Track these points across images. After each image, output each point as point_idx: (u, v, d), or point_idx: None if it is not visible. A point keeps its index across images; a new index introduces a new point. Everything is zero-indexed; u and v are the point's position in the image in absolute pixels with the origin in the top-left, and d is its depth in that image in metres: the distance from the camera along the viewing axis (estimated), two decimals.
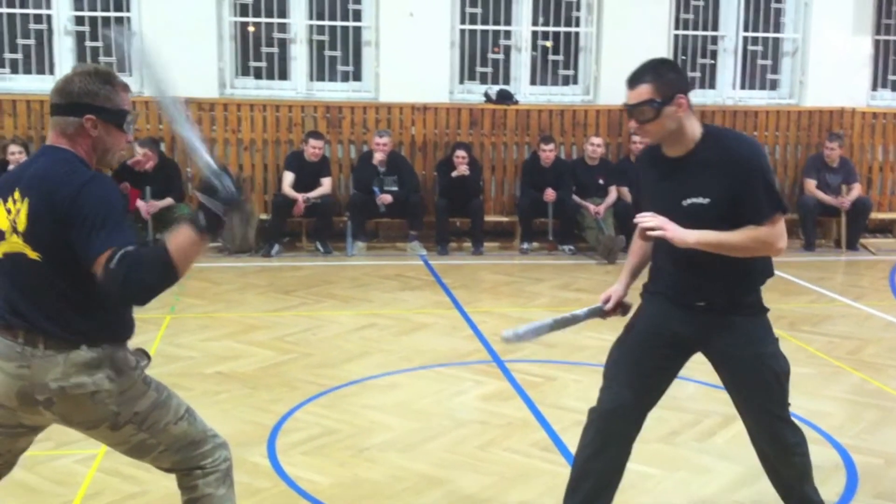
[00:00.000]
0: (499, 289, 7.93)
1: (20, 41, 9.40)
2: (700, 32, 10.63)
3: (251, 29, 9.80)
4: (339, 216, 9.44)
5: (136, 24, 9.40)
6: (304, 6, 9.77)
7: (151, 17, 9.32)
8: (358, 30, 9.92)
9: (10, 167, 8.64)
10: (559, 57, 10.37)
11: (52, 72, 9.44)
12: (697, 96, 10.56)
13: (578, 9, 10.33)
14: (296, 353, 5.80)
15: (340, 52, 9.93)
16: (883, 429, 4.73)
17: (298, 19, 9.79)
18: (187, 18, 9.35)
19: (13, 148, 8.61)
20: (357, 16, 9.89)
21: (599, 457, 3.23)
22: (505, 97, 10.06)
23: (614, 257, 8.87)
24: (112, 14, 9.46)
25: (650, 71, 3.00)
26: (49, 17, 9.38)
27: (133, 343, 5.85)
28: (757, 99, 10.82)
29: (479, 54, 10.24)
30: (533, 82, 10.36)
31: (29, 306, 2.52)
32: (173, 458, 2.70)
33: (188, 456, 2.70)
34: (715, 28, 10.68)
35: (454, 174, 9.33)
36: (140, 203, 8.74)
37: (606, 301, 3.37)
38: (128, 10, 9.47)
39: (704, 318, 3.13)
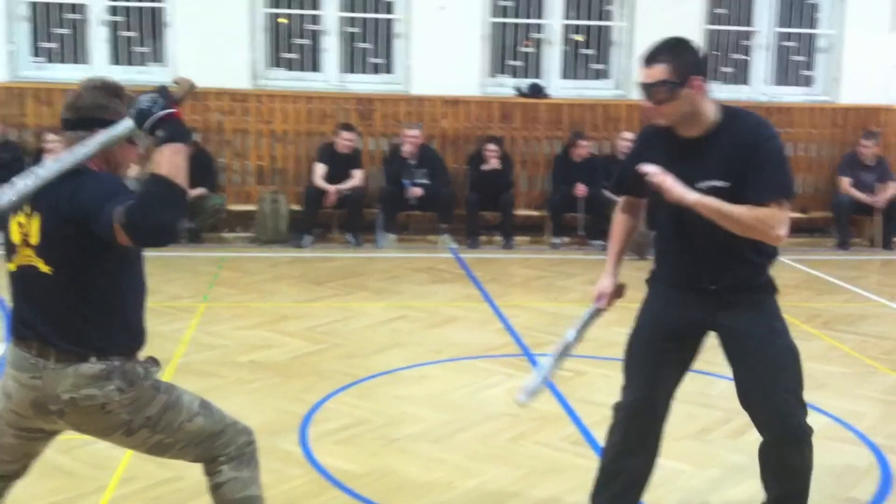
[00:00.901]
0: (530, 283, 7.92)
1: (56, 31, 9.50)
2: (733, 28, 10.56)
3: (282, 21, 9.84)
4: (370, 208, 9.47)
5: (169, 15, 9.47)
6: None
7: (185, 8, 9.39)
8: (389, 22, 9.94)
9: (46, 155, 8.74)
10: (591, 51, 10.33)
11: (87, 61, 9.54)
12: (730, 92, 10.48)
13: (611, 3, 10.29)
14: (327, 344, 5.83)
15: (372, 44, 9.95)
16: None
17: (331, 11, 9.81)
18: (220, 9, 9.41)
19: (50, 136, 8.70)
20: (389, 8, 9.90)
21: (629, 455, 3.21)
22: (536, 91, 10.04)
23: (645, 253, 8.78)
24: (147, 4, 9.53)
25: (666, 51, 2.91)
26: (84, 6, 9.47)
27: (167, 331, 5.91)
28: (790, 95, 10.72)
29: (511, 47, 10.23)
30: (564, 76, 10.33)
31: (40, 319, 2.55)
32: (194, 451, 2.73)
33: (209, 447, 2.73)
34: (748, 23, 10.60)
35: (484, 168, 9.32)
36: None
37: (599, 300, 3.30)
38: (162, 1, 9.53)
39: (714, 299, 3.06)
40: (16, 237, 2.57)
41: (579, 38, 10.42)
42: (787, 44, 10.68)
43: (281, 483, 3.78)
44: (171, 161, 2.40)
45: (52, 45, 9.54)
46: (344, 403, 4.78)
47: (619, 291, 3.31)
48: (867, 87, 10.51)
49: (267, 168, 9.71)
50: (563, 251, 9.29)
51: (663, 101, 2.90)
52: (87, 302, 2.54)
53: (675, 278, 3.13)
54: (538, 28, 10.22)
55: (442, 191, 9.30)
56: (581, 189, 9.23)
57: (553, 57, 10.24)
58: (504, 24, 10.13)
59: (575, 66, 10.41)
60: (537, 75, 10.25)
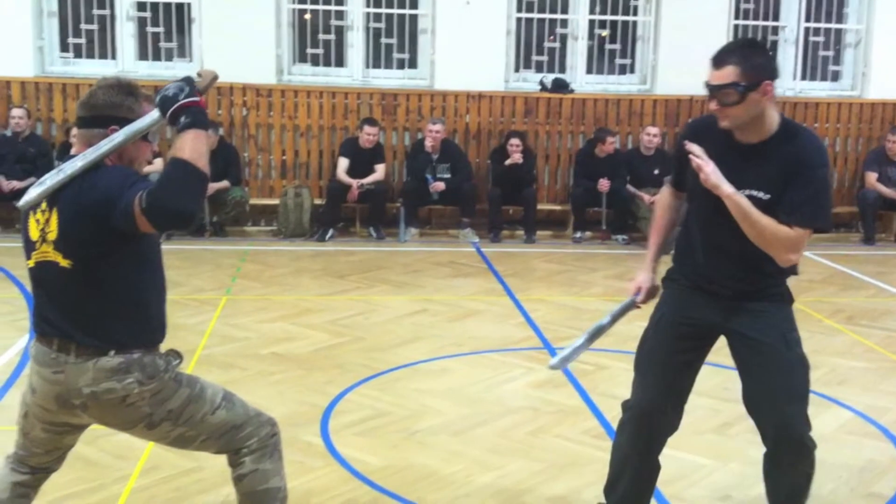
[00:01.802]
0: (551, 278, 7.91)
1: (84, 26, 9.58)
2: (760, 22, 10.47)
3: (307, 17, 9.87)
4: (393, 203, 9.49)
5: (196, 11, 9.53)
6: None
7: (211, 4, 9.45)
8: (414, 17, 9.94)
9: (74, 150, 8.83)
10: (616, 46, 10.29)
11: (114, 57, 9.62)
12: None
13: None
14: (349, 337, 5.86)
15: (396, 39, 9.97)
16: None
17: (355, 7, 9.83)
18: (246, 5, 9.45)
19: (76, 131, 8.77)
20: (413, 3, 9.91)
21: (638, 456, 3.20)
22: (560, 86, 10.01)
23: (669, 248, 8.77)
24: (173, 0, 9.59)
25: (738, 52, 2.84)
26: (112, 2, 9.55)
27: (190, 323, 5.95)
28: (818, 90, 10.63)
29: (535, 42, 10.21)
30: (589, 71, 10.29)
31: (60, 314, 2.58)
32: (217, 444, 2.75)
33: (232, 440, 2.75)
34: (776, 18, 10.51)
35: (507, 162, 9.32)
36: None
37: (637, 293, 3.25)
38: None
39: (729, 304, 3.02)
40: (34, 234, 2.60)
41: (604, 33, 10.38)
42: (814, 39, 10.58)
43: (302, 474, 3.81)
44: (192, 146, 2.45)
45: (80, 40, 9.62)
46: (365, 396, 4.80)
47: (653, 291, 3.26)
48: (895, 81, 10.40)
49: (290, 162, 9.75)
50: (585, 245, 9.27)
51: (731, 104, 2.83)
52: (105, 295, 2.56)
53: (692, 279, 3.10)
54: (563, 23, 10.19)
55: (464, 185, 9.31)
56: (604, 184, 9.20)
57: (578, 52, 10.20)
58: (529, 19, 10.11)
59: (600, 61, 10.37)
60: (562, 70, 10.22)
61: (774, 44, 10.54)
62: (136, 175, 2.56)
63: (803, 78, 10.63)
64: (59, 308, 2.59)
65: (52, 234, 2.56)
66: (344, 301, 6.77)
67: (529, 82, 10.13)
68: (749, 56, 2.85)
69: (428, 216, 9.79)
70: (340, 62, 9.99)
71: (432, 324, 6.25)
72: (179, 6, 9.60)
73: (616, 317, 3.30)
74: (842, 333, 6.22)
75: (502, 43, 9.92)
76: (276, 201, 9.41)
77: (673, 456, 4.07)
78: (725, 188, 2.85)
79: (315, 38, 9.91)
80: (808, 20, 10.51)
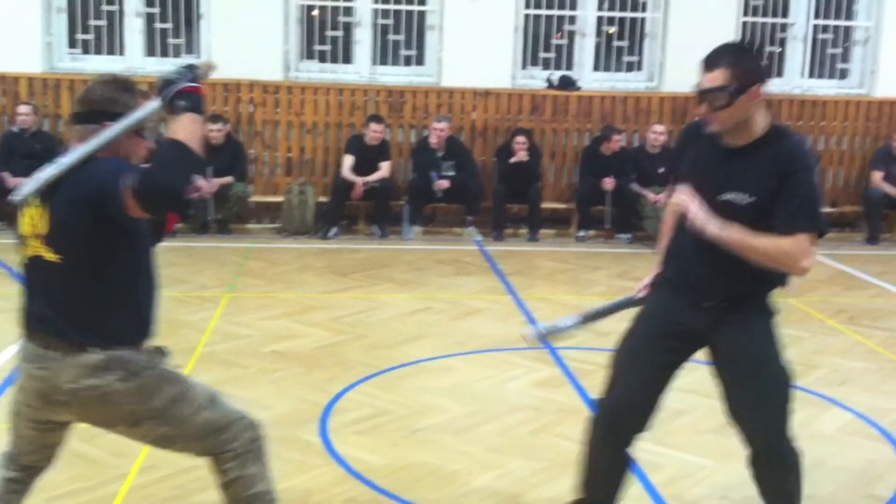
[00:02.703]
0: (555, 276, 7.91)
1: (92, 22, 9.60)
2: (769, 19, 10.43)
3: (315, 13, 9.88)
4: (397, 200, 9.49)
5: (203, 7, 9.55)
6: None
7: (219, 0, 9.45)
8: (422, 14, 9.94)
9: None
10: (624, 43, 10.26)
11: (122, 53, 9.64)
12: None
13: None
14: (351, 335, 5.87)
15: (404, 36, 9.96)
16: None
17: (363, 3, 9.83)
18: (254, 1, 9.47)
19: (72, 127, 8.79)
20: (421, 0, 9.90)
21: (611, 453, 3.18)
22: (567, 83, 9.99)
23: None
24: None
25: (728, 55, 2.84)
26: None
27: (192, 320, 5.95)
28: (826, 88, 10.58)
29: (543, 39, 10.19)
30: (596, 68, 10.27)
31: (46, 310, 2.58)
32: (199, 445, 2.73)
33: (214, 442, 2.72)
34: (784, 15, 10.46)
35: (513, 160, 9.31)
36: (202, 182, 8.90)
37: (642, 289, 3.24)
38: None
39: (713, 314, 2.99)
40: (26, 229, 2.61)
41: (612, 30, 10.36)
42: (823, 36, 10.54)
43: (301, 473, 3.82)
44: (188, 128, 2.47)
45: (88, 36, 9.65)
46: (366, 394, 4.81)
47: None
48: None
49: (296, 159, 9.76)
50: (588, 244, 9.26)
51: (720, 108, 2.83)
52: (92, 291, 2.56)
53: (678, 283, 3.07)
54: (571, 20, 10.17)
55: (468, 183, 9.30)
56: (609, 182, 9.19)
57: (585, 49, 10.18)
58: (537, 15, 10.09)
59: (607, 58, 10.35)
60: (569, 67, 10.20)
61: (782, 41, 10.50)
62: (130, 164, 2.55)
63: (811, 76, 10.59)
64: (46, 303, 2.59)
65: (43, 229, 2.56)
66: (347, 299, 6.78)
67: (536, 79, 10.12)
68: (740, 59, 2.84)
69: (432, 214, 9.79)
70: (347, 59, 9.99)
71: (435, 322, 6.26)
72: (188, 2, 9.61)
73: (614, 308, 3.31)
74: (843, 334, 6.20)
75: (509, 40, 9.91)
76: (280, 198, 9.42)
77: (673, 456, 4.09)
78: (711, 230, 2.83)
79: (322, 34, 9.91)
80: (816, 17, 10.46)
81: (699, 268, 2.98)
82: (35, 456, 2.81)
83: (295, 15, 9.75)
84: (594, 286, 7.45)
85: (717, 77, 2.82)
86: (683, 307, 3.04)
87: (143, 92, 2.72)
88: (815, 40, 10.52)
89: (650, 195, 9.17)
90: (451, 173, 9.27)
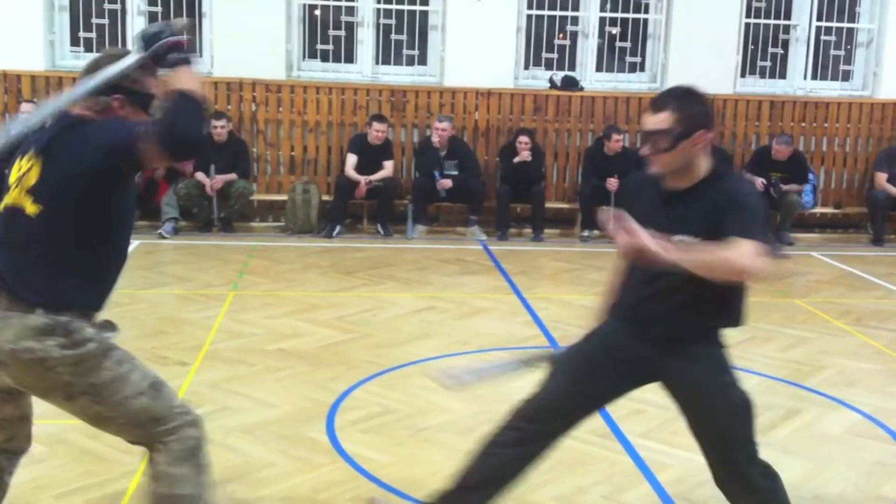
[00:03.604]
0: (559, 276, 7.90)
1: (95, 21, 9.60)
2: (772, 21, 10.44)
3: (317, 12, 9.87)
4: (401, 199, 9.48)
5: (206, 6, 9.54)
6: None
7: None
8: (424, 14, 9.93)
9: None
10: (626, 44, 10.26)
11: None
12: (767, 86, 10.39)
13: None
14: (356, 333, 5.85)
15: (406, 35, 9.96)
16: None
17: (365, 3, 9.83)
18: (256, 1, 9.45)
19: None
20: (424, 0, 9.89)
21: (511, 453, 3.09)
22: (570, 83, 9.99)
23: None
24: None
25: (676, 98, 2.84)
26: None
27: (198, 318, 5.93)
28: (829, 90, 10.59)
29: (546, 40, 10.18)
30: (599, 69, 10.27)
31: (5, 263, 2.52)
32: (134, 432, 2.66)
33: (149, 432, 2.64)
34: (787, 17, 10.47)
35: (516, 160, 9.30)
36: (205, 178, 8.90)
37: (558, 350, 3.22)
38: None
39: (662, 346, 2.95)
40: (14, 178, 2.58)
41: (615, 31, 10.36)
42: (826, 38, 10.54)
43: (307, 471, 3.81)
44: (187, 80, 2.48)
45: (91, 34, 9.64)
46: (371, 393, 4.80)
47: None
48: None
49: (299, 158, 9.76)
50: (592, 244, 9.24)
51: (663, 151, 2.81)
52: (59, 250, 2.51)
53: (628, 312, 3.03)
54: (574, 20, 10.17)
55: (472, 182, 9.30)
56: (613, 182, 9.18)
57: (588, 49, 10.18)
58: (539, 16, 10.09)
59: (610, 59, 10.35)
60: (572, 68, 10.20)
61: (785, 43, 10.50)
62: (135, 121, 2.54)
63: (814, 77, 10.59)
64: (8, 257, 2.53)
65: (31, 180, 2.53)
66: (351, 297, 6.77)
67: (539, 80, 10.12)
68: (686, 104, 2.83)
69: (436, 213, 9.78)
70: (350, 58, 9.99)
71: (439, 321, 6.25)
72: (190, 1, 9.60)
73: (530, 362, 3.26)
74: (850, 335, 6.19)
75: (512, 40, 9.91)
76: (284, 197, 9.41)
77: (680, 455, 4.08)
78: (664, 258, 2.71)
79: (325, 34, 9.91)
80: (819, 19, 10.46)
81: (651, 301, 2.94)
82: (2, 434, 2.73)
83: (297, 14, 9.75)
84: (598, 286, 7.39)
85: (663, 120, 2.80)
86: (632, 339, 2.99)
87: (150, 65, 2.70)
88: (818, 42, 10.52)
89: None
90: (454, 173, 9.27)
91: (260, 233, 9.28)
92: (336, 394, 4.73)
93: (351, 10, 9.87)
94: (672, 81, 10.07)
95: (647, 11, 10.24)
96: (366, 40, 9.90)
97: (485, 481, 3.12)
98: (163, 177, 8.92)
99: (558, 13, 10.11)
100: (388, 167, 9.28)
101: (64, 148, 2.51)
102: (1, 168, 2.89)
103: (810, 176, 9.96)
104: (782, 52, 10.53)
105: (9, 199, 2.57)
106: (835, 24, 10.51)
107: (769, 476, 2.98)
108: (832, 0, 10.47)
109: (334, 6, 9.89)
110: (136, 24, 9.55)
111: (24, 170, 2.56)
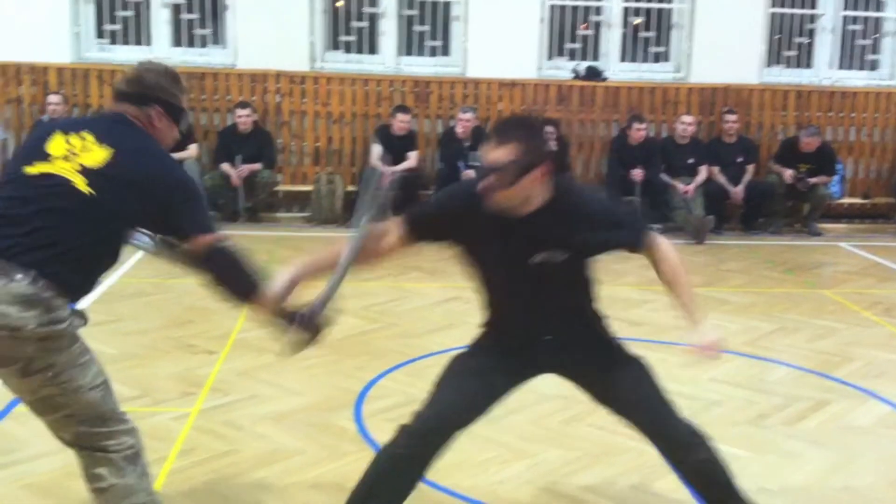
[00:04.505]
0: None
1: (119, 13, 9.65)
2: (797, 10, 10.35)
3: (340, 4, 9.87)
4: (426, 190, 9.47)
5: None
6: None
7: None
8: (447, 5, 9.92)
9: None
10: (650, 33, 10.21)
11: (148, 43, 9.67)
12: (793, 76, 10.31)
13: None
14: (381, 323, 5.87)
15: (429, 26, 9.94)
16: None
17: None
18: None
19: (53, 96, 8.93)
20: None
21: (404, 467, 3.03)
22: (594, 74, 9.95)
23: (703, 238, 8.74)
24: None
25: (516, 131, 2.78)
26: None
27: (224, 307, 5.95)
28: (855, 80, 10.49)
29: (569, 30, 10.14)
30: (623, 59, 10.22)
31: (14, 225, 2.49)
32: (77, 428, 2.62)
33: (92, 431, 2.62)
34: (813, 6, 10.38)
35: None
36: (230, 169, 8.94)
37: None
38: None
39: (553, 343, 3.03)
40: (57, 150, 2.58)
41: (638, 20, 10.30)
42: (852, 27, 10.44)
43: (335, 459, 3.83)
44: (264, 304, 2.92)
45: (116, 27, 9.69)
46: (398, 382, 4.81)
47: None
48: None
49: (323, 149, 9.78)
50: None
51: (505, 185, 2.74)
52: (82, 235, 2.52)
53: (509, 335, 3.07)
54: (597, 10, 10.12)
55: None
56: (638, 173, 9.15)
57: (612, 40, 10.13)
58: (563, 6, 10.05)
59: (634, 49, 10.30)
60: (595, 58, 10.16)
61: (811, 32, 10.41)
62: (199, 190, 2.74)
63: (840, 67, 10.50)
64: (19, 219, 2.50)
65: (92, 161, 2.56)
66: (377, 287, 6.78)
67: (562, 70, 10.08)
68: (529, 136, 2.79)
69: None
70: (373, 49, 9.99)
71: (465, 311, 6.23)
72: None
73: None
74: (879, 325, 6.15)
75: (535, 30, 9.88)
76: (308, 188, 9.44)
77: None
78: (712, 333, 2.96)
79: (348, 25, 9.91)
80: (845, 8, 10.38)
81: (532, 328, 3.02)
82: None
83: (320, 6, 9.76)
84: (624, 276, 7.40)
85: (505, 153, 2.74)
86: (515, 348, 3.06)
87: (185, 88, 2.82)
88: (844, 31, 10.42)
89: (679, 186, 9.13)
90: (479, 163, 9.23)
91: (285, 223, 9.31)
92: (363, 382, 4.75)
93: (374, 1, 9.87)
94: (697, 72, 10.05)
95: (670, 1, 10.17)
96: (389, 31, 9.90)
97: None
98: None
99: (581, 3, 10.07)
100: (412, 158, 9.28)
101: (131, 154, 2.60)
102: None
103: (838, 167, 9.88)
104: (808, 41, 10.44)
105: (52, 168, 2.56)
106: (861, 14, 10.41)
107: (700, 433, 3.00)
108: None
109: None
110: (159, 16, 9.61)
111: (79, 147, 2.58)
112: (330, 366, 5.02)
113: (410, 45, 10.02)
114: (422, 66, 9.98)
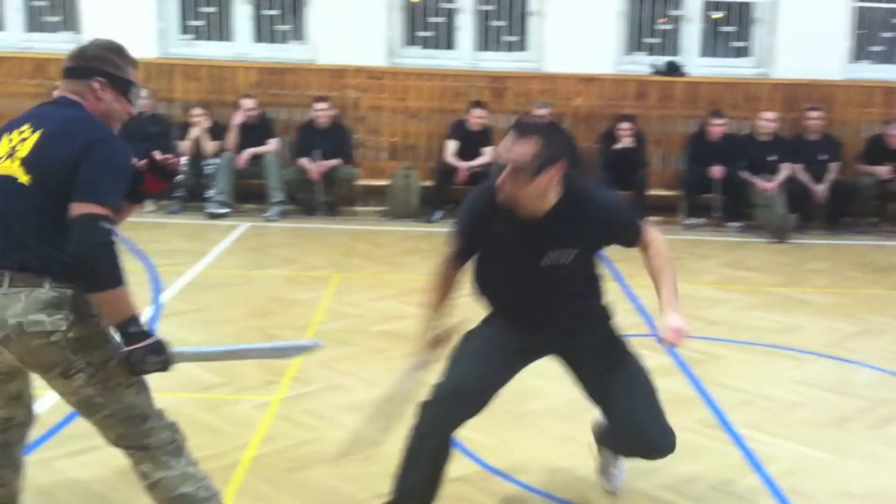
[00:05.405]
0: None
1: (203, 9, 9.85)
2: (883, 4, 10.07)
3: (414, 0, 9.94)
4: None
5: None
6: None
7: None
8: (524, 0, 9.89)
9: (191, 129, 9.11)
10: (731, 28, 10.04)
11: (231, 39, 9.86)
12: (879, 72, 10.04)
13: None
14: (457, 317, 5.87)
15: (506, 21, 9.94)
16: None
17: None
18: None
19: (196, 111, 9.07)
20: None
21: (434, 439, 3.12)
22: (673, 69, 9.83)
23: (786, 237, 8.58)
24: None
25: (537, 131, 2.86)
26: None
27: (304, 299, 6.03)
28: None
29: (648, 24, 10.04)
30: (703, 54, 10.07)
31: (3, 237, 2.50)
32: (119, 427, 2.63)
33: (133, 431, 2.63)
34: None
35: (618, 146, 9.20)
36: (309, 164, 9.06)
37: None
38: None
39: (554, 328, 3.11)
40: (2, 151, 2.60)
41: (718, 15, 10.14)
42: None
43: None
44: (114, 301, 2.48)
45: (200, 22, 9.90)
46: None
47: (443, 337, 3.33)
48: None
49: (400, 144, 9.85)
50: (697, 232, 9.08)
51: (519, 183, 2.79)
52: (57, 220, 2.49)
53: (513, 323, 3.16)
54: (676, 4, 9.99)
55: None
56: (718, 171, 9.00)
57: (692, 34, 10.00)
58: (641, 0, 9.95)
59: (715, 43, 10.14)
60: (675, 53, 10.04)
61: None
62: (121, 166, 2.61)
63: None
64: (4, 231, 2.51)
65: (23, 152, 2.56)
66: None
67: (640, 65, 9.98)
68: (548, 134, 2.85)
69: None
70: (450, 45, 10.02)
71: None
72: None
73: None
74: None
75: (613, 25, 9.79)
76: (385, 182, 9.52)
77: (790, 448, 4.01)
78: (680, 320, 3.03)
79: (425, 20, 9.96)
80: None
81: (533, 317, 3.10)
82: (2, 412, 2.75)
83: (398, 2, 9.83)
84: (703, 275, 7.32)
85: (524, 151, 2.78)
86: (520, 331, 3.14)
87: (133, 60, 2.79)
88: None
89: (760, 183, 8.96)
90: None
91: (362, 217, 9.40)
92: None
93: None
94: (780, 67, 9.86)
95: None
96: (465, 27, 9.92)
97: (435, 479, 3.17)
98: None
99: None
100: (488, 153, 9.29)
101: (62, 132, 2.57)
102: None
103: None
104: (894, 36, 10.15)
105: (1, 169, 2.57)
106: None
107: (673, 443, 3.15)
108: None
109: None
110: (241, 12, 9.78)
111: (15, 142, 2.58)
112: (408, 358, 5.05)
113: (487, 40, 10.03)
114: (498, 62, 9.98)
